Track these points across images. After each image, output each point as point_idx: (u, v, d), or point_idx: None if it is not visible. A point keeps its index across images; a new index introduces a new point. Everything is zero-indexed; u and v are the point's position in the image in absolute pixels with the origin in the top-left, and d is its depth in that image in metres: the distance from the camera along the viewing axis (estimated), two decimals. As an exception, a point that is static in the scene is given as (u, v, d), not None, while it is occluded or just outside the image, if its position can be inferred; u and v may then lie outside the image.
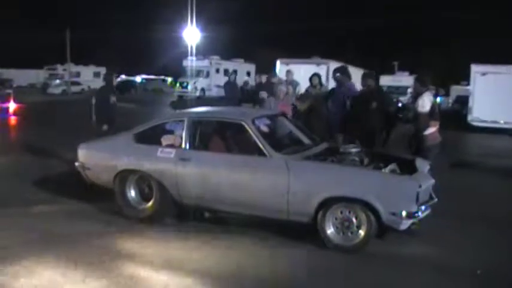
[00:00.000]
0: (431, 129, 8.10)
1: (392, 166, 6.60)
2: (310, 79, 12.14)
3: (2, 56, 57.20)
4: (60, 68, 57.92)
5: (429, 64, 47.55)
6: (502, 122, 22.27)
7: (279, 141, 7.08)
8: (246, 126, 6.58)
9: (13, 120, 22.43)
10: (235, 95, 16.65)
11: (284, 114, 8.05)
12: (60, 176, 9.87)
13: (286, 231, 6.52)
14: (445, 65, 52.95)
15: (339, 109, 9.25)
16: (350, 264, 5.77)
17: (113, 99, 10.29)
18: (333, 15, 69.57)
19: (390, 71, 46.38)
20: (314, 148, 7.01)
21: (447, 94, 42.60)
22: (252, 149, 6.49)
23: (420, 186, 5.83)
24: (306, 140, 7.41)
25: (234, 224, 6.97)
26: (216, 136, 7.27)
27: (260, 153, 6.36)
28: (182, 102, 35.30)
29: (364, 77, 9.00)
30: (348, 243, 6.02)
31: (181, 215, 7.17)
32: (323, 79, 19.72)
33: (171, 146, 7.09)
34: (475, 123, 22.78)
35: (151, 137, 7.28)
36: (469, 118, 23.14)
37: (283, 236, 6.49)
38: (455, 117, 26.07)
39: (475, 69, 23.20)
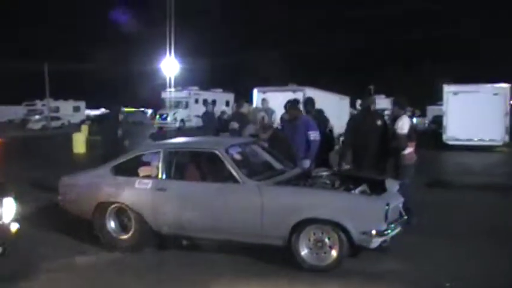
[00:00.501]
0: (409, 149, 8.43)
1: (362, 187, 6.87)
2: (285, 106, 12.45)
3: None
4: (39, 104, 57.92)
5: (405, 85, 48.34)
6: (476, 139, 22.78)
7: (251, 168, 7.31)
8: (220, 154, 6.81)
9: None
10: (213, 125, 16.89)
11: (257, 142, 8.29)
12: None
13: (265, 254, 6.71)
14: (421, 86, 53.80)
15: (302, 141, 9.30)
16: (328, 282, 6.00)
17: (120, 132, 10.77)
18: (308, 42, 70.60)
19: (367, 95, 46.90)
20: (286, 173, 7.26)
21: (423, 115, 43.30)
22: (226, 177, 6.72)
23: (388, 205, 6.08)
24: (278, 166, 7.66)
25: (212, 250, 7.14)
26: (191, 165, 7.49)
27: (234, 180, 6.59)
28: (162, 133, 35.44)
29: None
30: (322, 263, 6.23)
31: (161, 244, 7.33)
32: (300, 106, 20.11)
33: (148, 177, 7.29)
34: (450, 142, 23.23)
35: (129, 169, 7.46)
36: (444, 137, 23.59)
37: (258, 259, 6.69)
38: (432, 137, 26.50)
39: (447, 89, 23.80)
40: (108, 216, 7.39)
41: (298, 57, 67.23)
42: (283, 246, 6.39)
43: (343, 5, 77.56)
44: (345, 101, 29.08)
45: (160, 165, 7.12)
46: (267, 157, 7.87)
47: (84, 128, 37.07)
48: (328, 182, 7.00)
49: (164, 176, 7.08)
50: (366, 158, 8.50)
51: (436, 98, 37.50)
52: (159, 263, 6.86)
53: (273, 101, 15.60)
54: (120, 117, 11.73)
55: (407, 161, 8.46)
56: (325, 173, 7.21)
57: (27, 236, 7.05)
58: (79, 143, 23.78)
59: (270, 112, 13.64)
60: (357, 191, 6.71)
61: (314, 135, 8.98)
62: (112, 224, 7.41)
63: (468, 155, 20.70)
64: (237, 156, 7.46)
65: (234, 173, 6.61)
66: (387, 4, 74.41)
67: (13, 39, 79.90)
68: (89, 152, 22.22)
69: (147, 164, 7.54)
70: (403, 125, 8.41)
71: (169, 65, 46.71)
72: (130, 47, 77.00)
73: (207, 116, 17.97)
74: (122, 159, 7.65)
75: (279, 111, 12.87)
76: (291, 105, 9.61)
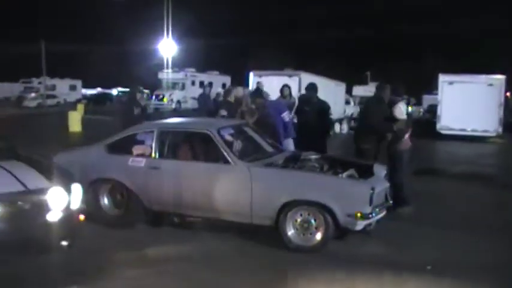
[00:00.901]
0: (405, 136, 8.62)
1: (350, 171, 7.05)
2: (281, 90, 12.62)
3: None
4: (35, 81, 57.74)
5: (401, 74, 48.38)
6: (469, 129, 22.95)
7: (242, 150, 7.48)
8: (212, 135, 6.99)
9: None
10: (208, 107, 17.02)
11: (248, 124, 8.46)
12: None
13: (254, 234, 6.90)
14: (417, 74, 53.90)
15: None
16: (311, 263, 6.17)
17: (137, 111, 10.93)
18: (306, 27, 70.48)
19: (363, 82, 47.11)
20: (276, 156, 7.45)
21: (419, 103, 43.40)
22: (217, 157, 6.91)
23: (373, 189, 6.27)
24: (269, 149, 7.84)
25: (203, 228, 7.32)
26: (184, 145, 7.64)
27: (224, 161, 6.78)
28: (158, 114, 35.59)
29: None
30: (308, 244, 6.43)
31: (153, 220, 7.52)
32: (295, 90, 20.27)
33: (142, 155, 7.45)
34: (444, 131, 23.39)
35: (123, 147, 7.64)
36: (438, 126, 23.76)
37: (247, 238, 6.89)
38: (427, 126, 26.58)
39: (443, 78, 23.95)
40: (102, 192, 7.56)
41: (298, 43, 67.12)
42: (271, 226, 6.59)
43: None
44: (341, 87, 29.15)
45: (153, 144, 7.29)
46: (258, 139, 8.03)
47: (80, 106, 37.09)
48: (316, 165, 7.19)
49: (157, 155, 7.25)
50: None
51: (433, 87, 37.76)
52: (150, 239, 7.04)
53: (268, 84, 15.75)
54: (138, 96, 11.79)
55: (403, 146, 8.62)
56: (314, 157, 7.40)
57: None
58: (75, 121, 23.90)
59: (264, 95, 13.79)
60: (345, 174, 6.89)
61: (287, 116, 9.33)
62: (105, 201, 7.58)
63: (460, 145, 20.91)
64: (229, 138, 7.62)
65: (225, 154, 6.79)
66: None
67: (12, 17, 79.62)
68: (85, 131, 22.38)
69: (141, 142, 7.70)
70: (401, 110, 8.58)
71: (167, 46, 46.78)
72: (129, 26, 76.74)
73: (203, 98, 18.14)
74: (116, 138, 7.82)
75: (275, 95, 13.05)
76: (253, 94, 9.91)
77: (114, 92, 69.19)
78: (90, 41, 72.72)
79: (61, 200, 5.47)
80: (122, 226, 7.36)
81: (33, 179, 5.59)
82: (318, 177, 6.73)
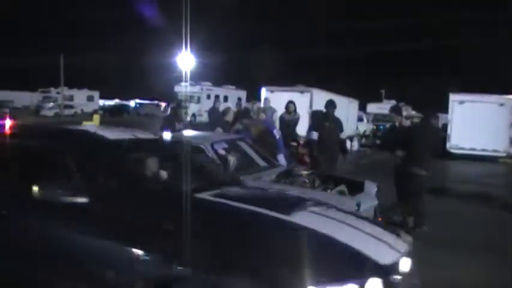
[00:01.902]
0: None
1: (340, 187, 7.22)
2: (286, 106, 12.85)
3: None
4: (53, 91, 58.70)
5: (416, 92, 48.45)
6: (479, 149, 22.93)
7: (235, 164, 7.66)
8: (205, 149, 7.20)
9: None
10: (218, 120, 17.14)
11: (243, 139, 8.66)
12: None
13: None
14: (433, 93, 53.91)
15: None
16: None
17: (179, 126, 10.87)
18: (324, 44, 70.80)
19: (377, 99, 47.20)
20: (268, 170, 7.63)
21: (433, 122, 43.27)
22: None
23: (359, 206, 6.39)
24: (262, 163, 8.03)
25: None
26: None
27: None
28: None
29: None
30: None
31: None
32: (307, 106, 20.44)
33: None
34: (454, 151, 23.39)
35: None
36: (448, 145, 23.75)
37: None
38: (439, 144, 26.43)
39: (453, 98, 24.01)
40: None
41: (315, 59, 67.44)
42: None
43: (359, 14, 77.77)
44: (354, 104, 29.26)
45: (150, 156, 7.50)
46: (253, 154, 8.22)
47: (96, 117, 37.53)
48: (307, 180, 7.36)
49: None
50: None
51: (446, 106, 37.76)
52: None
53: (280, 100, 15.89)
54: (181, 111, 11.84)
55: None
56: (305, 172, 7.57)
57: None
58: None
59: (271, 111, 13.99)
60: (334, 190, 7.05)
61: (277, 133, 9.65)
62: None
63: (470, 165, 20.90)
64: (222, 152, 7.82)
65: (217, 168, 6.98)
66: (405, 14, 74.38)
67: (33, 27, 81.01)
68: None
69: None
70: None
71: (185, 59, 47.18)
72: (147, 39, 77.62)
73: (213, 113, 18.30)
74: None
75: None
76: (241, 115, 10.26)
77: (132, 103, 69.97)
78: (110, 52, 73.66)
79: None
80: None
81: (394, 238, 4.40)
82: (302, 192, 6.87)
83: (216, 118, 17.51)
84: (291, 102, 12.94)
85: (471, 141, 22.98)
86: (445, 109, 24.53)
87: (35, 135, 5.26)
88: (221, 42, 67.91)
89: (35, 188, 3.95)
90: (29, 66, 65.78)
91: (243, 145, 8.41)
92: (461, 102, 23.68)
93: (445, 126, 29.01)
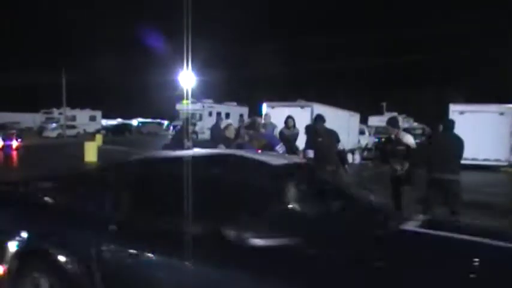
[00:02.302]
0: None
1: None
2: (285, 121, 12.92)
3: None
4: (56, 112, 59.01)
5: (419, 104, 48.55)
6: (480, 159, 22.92)
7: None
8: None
9: (15, 154, 28.69)
10: (220, 137, 17.09)
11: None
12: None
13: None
14: (436, 104, 54.06)
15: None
16: None
17: (188, 144, 10.84)
18: (323, 58, 71.06)
19: (379, 112, 47.31)
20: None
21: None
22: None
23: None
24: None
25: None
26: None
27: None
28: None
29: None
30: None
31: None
32: (307, 121, 20.52)
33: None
34: (456, 161, 23.30)
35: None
36: (449, 156, 23.67)
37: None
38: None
39: (453, 108, 23.99)
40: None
41: (314, 74, 67.67)
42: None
43: (362, 27, 78.22)
44: (355, 117, 29.36)
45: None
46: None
47: (98, 137, 37.77)
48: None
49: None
50: None
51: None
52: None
53: (280, 115, 15.91)
54: (191, 128, 11.81)
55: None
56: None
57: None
58: (90, 151, 24.41)
59: (272, 127, 14.05)
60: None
61: (281, 148, 9.64)
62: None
63: (471, 174, 20.82)
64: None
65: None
66: (405, 26, 74.74)
67: (34, 48, 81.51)
68: (100, 161, 22.77)
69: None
70: (409, 139, 9.02)
71: (186, 78, 47.40)
72: (149, 58, 78.02)
73: (215, 129, 18.32)
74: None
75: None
76: (248, 126, 10.18)
77: (134, 122, 70.18)
78: (112, 72, 74.05)
79: None
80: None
81: None
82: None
83: (218, 135, 17.55)
84: (289, 117, 13.03)
85: (473, 151, 22.86)
86: (445, 120, 24.53)
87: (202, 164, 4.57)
88: (222, 59, 68.32)
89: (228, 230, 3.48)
90: (30, 87, 66.41)
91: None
92: (462, 113, 23.65)
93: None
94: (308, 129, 11.57)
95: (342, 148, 10.70)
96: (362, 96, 56.62)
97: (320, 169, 9.70)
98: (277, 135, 13.35)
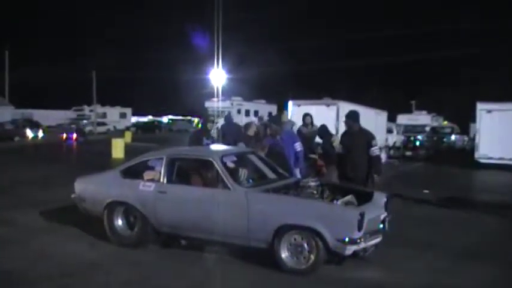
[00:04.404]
0: None
1: (348, 197, 7.35)
2: (303, 119, 12.96)
3: (31, 97, 59.53)
4: (87, 109, 59.92)
5: (448, 102, 47.99)
6: (508, 158, 22.53)
7: (244, 176, 7.89)
8: (214, 162, 7.42)
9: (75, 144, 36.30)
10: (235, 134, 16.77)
11: (254, 152, 8.85)
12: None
13: (249, 256, 7.26)
14: (463, 103, 53.36)
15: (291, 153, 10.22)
16: (304, 286, 6.50)
17: (207, 142, 11.01)
18: (354, 54, 70.65)
19: (408, 110, 46.91)
20: (276, 182, 7.82)
21: (465, 132, 42.65)
22: (218, 183, 7.34)
23: (362, 216, 6.51)
24: (270, 175, 8.22)
25: (207, 250, 7.72)
26: (190, 171, 8.10)
27: (224, 186, 7.20)
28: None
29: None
30: (300, 267, 6.71)
31: (164, 242, 7.97)
32: (333, 118, 20.47)
33: (152, 180, 7.94)
34: (482, 160, 23.01)
35: (136, 173, 8.19)
36: (476, 155, 23.38)
37: (245, 260, 7.26)
38: (469, 154, 26.10)
39: (481, 106, 23.63)
40: (116, 214, 8.07)
41: (345, 72, 67.29)
42: (267, 249, 6.91)
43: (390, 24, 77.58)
44: (382, 115, 29.11)
45: (162, 170, 7.77)
46: (261, 166, 8.42)
47: (127, 134, 38.24)
48: (315, 191, 7.52)
49: (165, 180, 7.72)
50: None
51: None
52: (155, 259, 7.48)
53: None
54: (210, 126, 11.90)
55: None
56: (313, 184, 7.71)
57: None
58: (118, 148, 24.73)
59: (290, 124, 14.10)
60: (340, 201, 7.18)
61: (299, 146, 9.69)
62: (119, 222, 8.09)
63: (496, 174, 20.61)
64: (231, 165, 8.03)
65: (225, 180, 7.20)
66: (436, 23, 73.87)
67: (67, 46, 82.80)
68: (128, 158, 22.99)
69: (152, 168, 8.21)
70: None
71: (217, 76, 47.76)
72: (180, 55, 78.69)
73: (227, 127, 17.87)
74: (130, 164, 8.39)
75: (316, 122, 13.23)
76: (271, 119, 10.28)
77: (165, 119, 70.78)
78: (142, 69, 74.83)
79: None
80: (134, 246, 7.83)
81: None
82: (308, 203, 7.04)
83: (229, 132, 17.13)
84: (307, 114, 13.01)
85: (500, 151, 22.60)
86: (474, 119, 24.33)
87: None
88: (252, 57, 68.36)
89: None
90: (62, 84, 67.47)
91: (253, 158, 8.61)
92: (489, 111, 23.32)
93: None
94: (322, 129, 11.68)
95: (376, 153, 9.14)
96: (392, 94, 56.08)
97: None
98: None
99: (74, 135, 40.62)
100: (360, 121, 9.21)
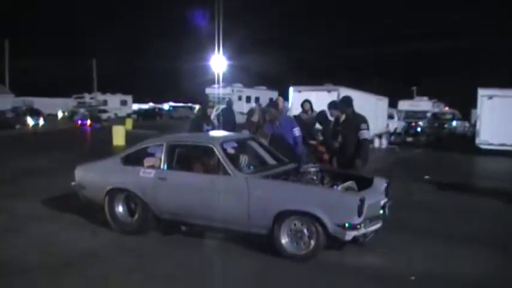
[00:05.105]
0: None
1: (349, 183, 7.35)
2: (302, 105, 12.91)
3: (32, 85, 59.45)
4: (87, 97, 59.90)
5: (449, 88, 47.84)
6: (509, 144, 22.49)
7: (244, 162, 7.88)
8: (214, 148, 7.42)
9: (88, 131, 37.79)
10: (232, 120, 16.66)
11: (254, 138, 8.85)
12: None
13: (249, 242, 7.29)
14: (467, 89, 53.20)
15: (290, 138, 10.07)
16: (304, 272, 6.49)
17: (207, 127, 10.92)
18: (355, 43, 70.44)
19: (409, 96, 46.79)
20: (277, 168, 7.82)
21: (465, 118, 42.54)
22: (218, 169, 7.33)
23: (362, 201, 6.51)
24: (271, 161, 8.24)
25: (208, 236, 7.75)
26: (190, 158, 8.08)
27: (224, 172, 7.19)
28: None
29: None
30: (300, 252, 6.74)
31: (165, 228, 7.98)
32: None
33: (152, 167, 7.95)
34: (483, 146, 23.01)
35: (136, 159, 8.19)
36: (477, 141, 23.39)
37: (245, 246, 7.30)
38: (470, 140, 26.10)
39: (482, 92, 23.56)
40: (117, 201, 8.08)
41: (347, 59, 67.17)
42: (267, 235, 6.92)
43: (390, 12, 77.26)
44: (383, 101, 29.05)
45: (162, 156, 7.78)
46: (262, 153, 8.42)
47: (128, 121, 38.23)
48: (315, 177, 7.52)
49: (165, 167, 7.72)
50: None
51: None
52: (155, 246, 7.51)
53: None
54: (209, 111, 11.75)
55: None
56: (313, 169, 7.70)
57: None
58: (118, 135, 24.70)
59: (285, 110, 14.07)
60: (340, 187, 7.19)
61: (298, 131, 9.70)
62: (120, 209, 8.10)
63: (497, 160, 20.60)
64: (231, 151, 8.03)
65: (226, 166, 7.20)
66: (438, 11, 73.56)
67: (67, 35, 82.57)
68: (129, 145, 22.93)
69: (152, 155, 8.21)
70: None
71: (217, 62, 47.65)
72: (181, 43, 78.48)
73: (227, 112, 17.71)
74: (130, 151, 8.39)
75: (317, 108, 13.19)
76: (270, 104, 10.22)
77: (166, 106, 70.73)
78: (143, 56, 74.64)
79: None
80: (135, 233, 7.85)
81: None
82: (308, 188, 7.06)
83: (228, 119, 17.00)
84: (306, 101, 12.91)
85: (501, 137, 22.57)
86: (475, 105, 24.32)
87: None
88: (254, 43, 68.21)
89: None
90: (62, 73, 67.34)
91: (253, 144, 8.61)
92: (490, 97, 23.25)
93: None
94: (319, 115, 11.66)
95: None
96: (393, 80, 56.02)
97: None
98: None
99: (88, 122, 43.67)
100: (363, 107, 9.21)
